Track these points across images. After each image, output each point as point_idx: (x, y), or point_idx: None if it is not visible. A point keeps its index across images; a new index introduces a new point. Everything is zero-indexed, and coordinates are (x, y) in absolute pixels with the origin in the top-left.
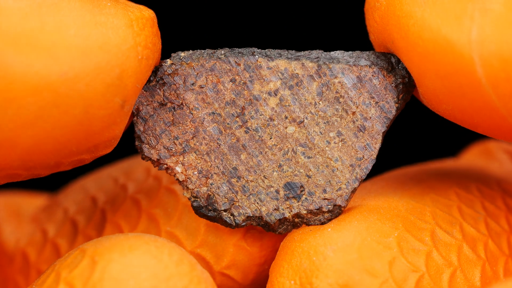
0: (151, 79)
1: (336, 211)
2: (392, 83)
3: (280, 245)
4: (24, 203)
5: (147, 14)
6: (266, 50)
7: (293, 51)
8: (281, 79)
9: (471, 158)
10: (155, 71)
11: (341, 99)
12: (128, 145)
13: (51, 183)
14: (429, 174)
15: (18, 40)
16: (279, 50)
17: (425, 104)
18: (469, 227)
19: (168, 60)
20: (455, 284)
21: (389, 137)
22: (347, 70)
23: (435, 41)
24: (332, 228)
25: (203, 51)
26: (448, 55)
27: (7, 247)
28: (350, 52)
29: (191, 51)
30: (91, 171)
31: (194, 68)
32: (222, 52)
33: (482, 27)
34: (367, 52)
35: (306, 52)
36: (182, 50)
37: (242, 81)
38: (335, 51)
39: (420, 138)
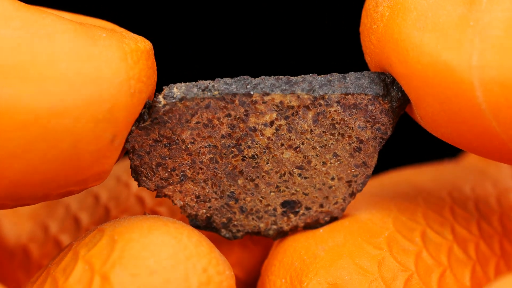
0: (145, 118)
1: (332, 221)
2: (388, 109)
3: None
4: None
5: (143, 46)
6: (260, 78)
7: (286, 77)
8: (276, 111)
9: (471, 160)
10: (149, 109)
11: (337, 125)
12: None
13: None
14: (423, 175)
15: (8, 71)
16: (273, 79)
17: (423, 126)
18: (461, 228)
19: (161, 99)
20: (445, 284)
21: (388, 139)
22: (343, 99)
23: (434, 66)
24: (324, 229)
25: (195, 84)
26: (448, 80)
27: (7, 243)
28: (344, 74)
29: (183, 86)
30: None
31: (188, 107)
32: (215, 86)
33: (483, 52)
34: (362, 73)
35: (299, 78)
36: (178, 76)
37: (238, 116)
38: (329, 75)
39: (420, 140)
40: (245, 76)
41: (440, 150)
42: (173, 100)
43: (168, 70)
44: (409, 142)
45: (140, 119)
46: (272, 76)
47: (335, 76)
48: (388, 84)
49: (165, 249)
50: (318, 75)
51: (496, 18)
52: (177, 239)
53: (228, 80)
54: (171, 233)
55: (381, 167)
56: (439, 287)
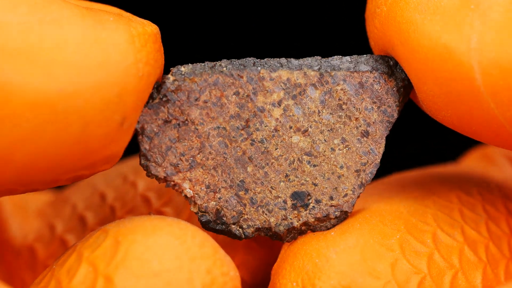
0: (154, 96)
1: (343, 217)
2: (394, 87)
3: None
4: (29, 198)
5: (150, 29)
6: (266, 59)
7: (292, 59)
8: (284, 89)
9: (471, 163)
10: (158, 88)
11: (343, 106)
12: (133, 142)
13: None
14: (430, 177)
15: (17, 55)
16: (278, 59)
17: (424, 110)
18: (470, 229)
19: (170, 76)
20: (457, 286)
21: (389, 142)
22: (349, 77)
23: (434, 48)
24: (335, 232)
25: (203, 64)
26: (447, 62)
27: (14, 242)
28: (348, 57)
29: (190, 65)
30: None
31: (197, 83)
32: (223, 64)
33: (482, 35)
34: (365, 56)
35: (305, 59)
36: (183, 62)
37: (246, 94)
38: (333, 57)
39: (420, 143)
40: (251, 58)
41: (440, 156)
42: (182, 76)
43: (173, 57)
44: (409, 147)
45: (149, 98)
46: (278, 58)
47: (340, 57)
48: (392, 65)
49: (169, 250)
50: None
51: (496, 1)
52: (180, 240)
53: (234, 60)
54: (175, 234)
55: (383, 171)
56: None
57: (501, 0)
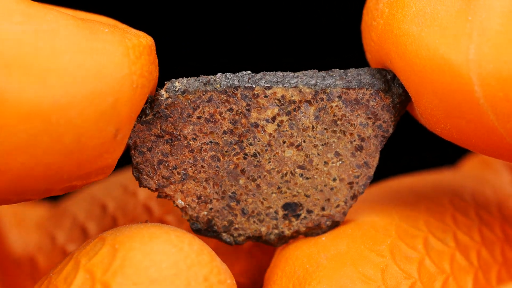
0: (148, 112)
1: (334, 226)
2: (390, 104)
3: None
4: (28, 210)
5: (145, 41)
6: (262, 73)
7: (287, 72)
8: (278, 106)
9: (470, 167)
10: (151, 103)
11: (338, 122)
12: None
13: None
14: (424, 182)
15: (11, 65)
16: (274, 73)
17: (422, 124)
18: (463, 234)
19: (164, 92)
20: None
21: (387, 146)
22: (344, 94)
23: (432, 60)
24: (326, 237)
25: (197, 78)
26: (445, 74)
27: (14, 253)
28: (345, 70)
29: (185, 80)
30: None
31: (190, 100)
32: (217, 80)
33: (480, 46)
34: (363, 69)
35: (301, 73)
36: (178, 74)
37: (240, 110)
38: (330, 70)
39: (419, 147)
40: (246, 72)
41: (438, 159)
42: (175, 93)
43: (169, 68)
44: (407, 151)
45: (142, 114)
46: (274, 72)
47: (336, 71)
48: (389, 80)
49: (166, 258)
50: (319, 71)
51: (494, 12)
52: (178, 248)
53: (230, 75)
54: (172, 242)
55: (380, 175)
56: None
57: (498, 10)
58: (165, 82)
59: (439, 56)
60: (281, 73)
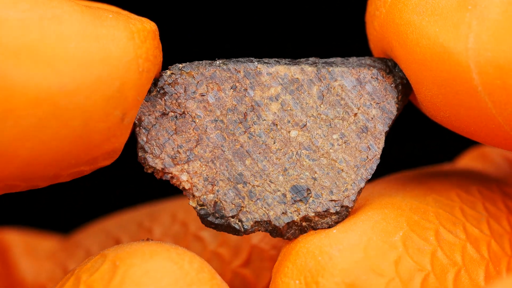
0: (152, 89)
1: (343, 213)
2: (392, 84)
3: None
4: (40, 241)
5: (149, 26)
6: (263, 58)
7: (290, 59)
8: (281, 84)
9: (468, 163)
10: (155, 81)
11: (342, 102)
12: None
13: (62, 224)
14: (429, 176)
15: (18, 52)
16: (276, 59)
17: (423, 111)
18: (472, 227)
19: (167, 70)
20: (460, 284)
21: (385, 143)
22: (346, 73)
23: (432, 49)
24: (337, 229)
25: (200, 62)
26: (445, 63)
27: (25, 282)
28: (346, 58)
29: (188, 63)
30: (103, 211)
31: (194, 77)
32: (220, 61)
33: (479, 35)
34: (364, 57)
35: (303, 59)
36: (181, 61)
37: (243, 88)
38: (331, 58)
39: (416, 144)
40: (249, 58)
41: (437, 156)
42: (179, 70)
43: (171, 55)
44: (405, 147)
45: (148, 93)
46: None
47: (338, 59)
48: (390, 66)
49: (166, 275)
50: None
51: (493, 2)
52: (178, 265)
53: (232, 58)
54: (172, 259)
55: (380, 171)
56: (455, 286)
57: (498, 0)
58: (169, 66)
59: (439, 45)
60: (282, 59)
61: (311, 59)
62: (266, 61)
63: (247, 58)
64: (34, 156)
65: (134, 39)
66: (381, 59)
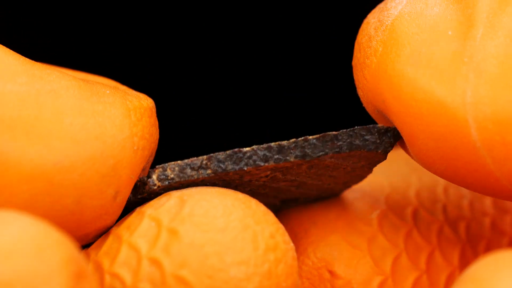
0: (141, 191)
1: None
2: (381, 153)
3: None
4: None
5: (146, 103)
6: (252, 149)
7: (278, 145)
8: (271, 170)
9: None
10: (144, 185)
11: (332, 167)
12: None
13: None
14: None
15: (14, 126)
16: (265, 149)
17: (415, 161)
18: (452, 207)
19: (156, 181)
20: (433, 263)
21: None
22: (335, 157)
23: (428, 103)
24: (317, 205)
25: (189, 163)
26: (442, 117)
27: None
28: (335, 134)
29: (176, 168)
30: None
31: (183, 185)
32: (208, 164)
33: (477, 89)
34: (354, 130)
35: (292, 143)
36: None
37: (233, 179)
38: (321, 135)
39: None
40: (236, 150)
41: None
42: (167, 183)
43: (168, 130)
44: None
45: (135, 191)
46: (264, 145)
47: (328, 136)
48: (382, 134)
49: (235, 210)
50: (309, 136)
51: (490, 54)
52: (246, 205)
53: (221, 155)
54: (240, 199)
55: None
56: (427, 266)
57: (494, 52)
58: (156, 166)
59: (436, 99)
60: (272, 147)
61: (300, 145)
62: (255, 157)
63: (236, 153)
64: None
65: (130, 117)
66: (370, 130)
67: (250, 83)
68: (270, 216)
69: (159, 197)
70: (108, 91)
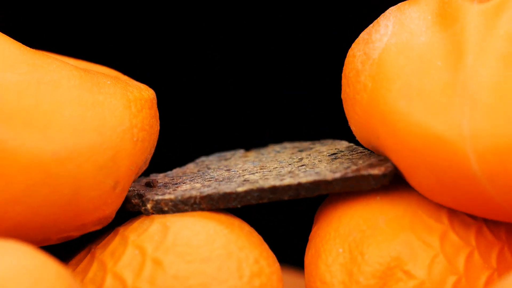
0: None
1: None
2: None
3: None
4: None
5: (147, 94)
6: (245, 190)
7: (272, 186)
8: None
9: None
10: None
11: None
12: None
13: None
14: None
15: (13, 116)
16: (259, 190)
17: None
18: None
19: (150, 211)
20: (503, 261)
21: None
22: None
23: (425, 137)
24: (380, 197)
25: (182, 201)
26: (440, 151)
27: None
28: (329, 181)
29: (170, 202)
30: None
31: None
32: (202, 202)
33: (474, 120)
34: (353, 181)
35: (286, 185)
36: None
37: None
38: (315, 181)
39: None
40: (230, 191)
41: None
42: (162, 213)
43: (169, 121)
44: None
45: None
46: (259, 186)
47: (322, 182)
48: (378, 179)
49: (218, 237)
50: (303, 180)
51: (484, 82)
52: (229, 229)
53: (215, 195)
54: (223, 223)
55: None
56: (497, 264)
57: (488, 80)
58: (150, 200)
59: (432, 133)
60: (266, 189)
61: (293, 187)
62: (249, 196)
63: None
64: (23, 221)
65: (130, 108)
66: (365, 177)
67: (250, 82)
68: (254, 237)
69: (141, 219)
70: (109, 82)
